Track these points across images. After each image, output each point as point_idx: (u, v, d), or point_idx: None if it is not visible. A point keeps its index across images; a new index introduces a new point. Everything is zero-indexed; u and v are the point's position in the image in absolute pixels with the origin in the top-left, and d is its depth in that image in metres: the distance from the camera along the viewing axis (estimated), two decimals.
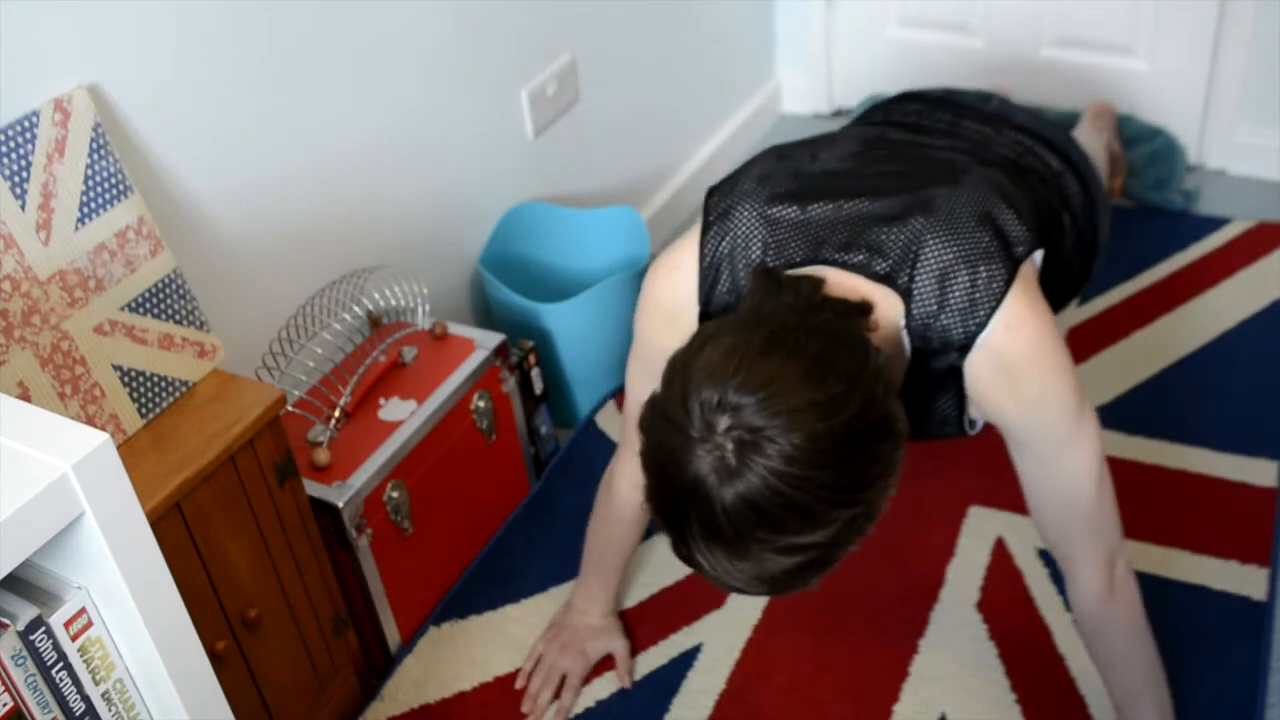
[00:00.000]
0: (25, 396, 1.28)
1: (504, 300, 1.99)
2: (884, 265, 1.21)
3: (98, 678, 0.95)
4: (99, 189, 1.34)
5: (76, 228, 1.32)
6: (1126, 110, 2.58)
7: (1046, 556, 1.77)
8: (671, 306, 1.31)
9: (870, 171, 1.29)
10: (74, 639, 0.92)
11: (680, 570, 1.81)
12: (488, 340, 1.83)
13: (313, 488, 1.57)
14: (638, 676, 1.69)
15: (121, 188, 1.36)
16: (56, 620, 0.91)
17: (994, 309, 1.18)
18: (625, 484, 1.55)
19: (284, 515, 1.46)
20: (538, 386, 1.95)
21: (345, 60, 1.71)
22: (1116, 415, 1.98)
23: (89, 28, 1.35)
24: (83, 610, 0.92)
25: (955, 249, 1.20)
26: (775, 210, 1.26)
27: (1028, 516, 1.83)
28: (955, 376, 1.23)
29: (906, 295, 1.20)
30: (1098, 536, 1.32)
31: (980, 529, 1.82)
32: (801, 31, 2.85)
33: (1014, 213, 1.25)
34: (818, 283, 1.20)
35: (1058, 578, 1.74)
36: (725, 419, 1.02)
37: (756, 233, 1.26)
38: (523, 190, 2.15)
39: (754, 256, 1.25)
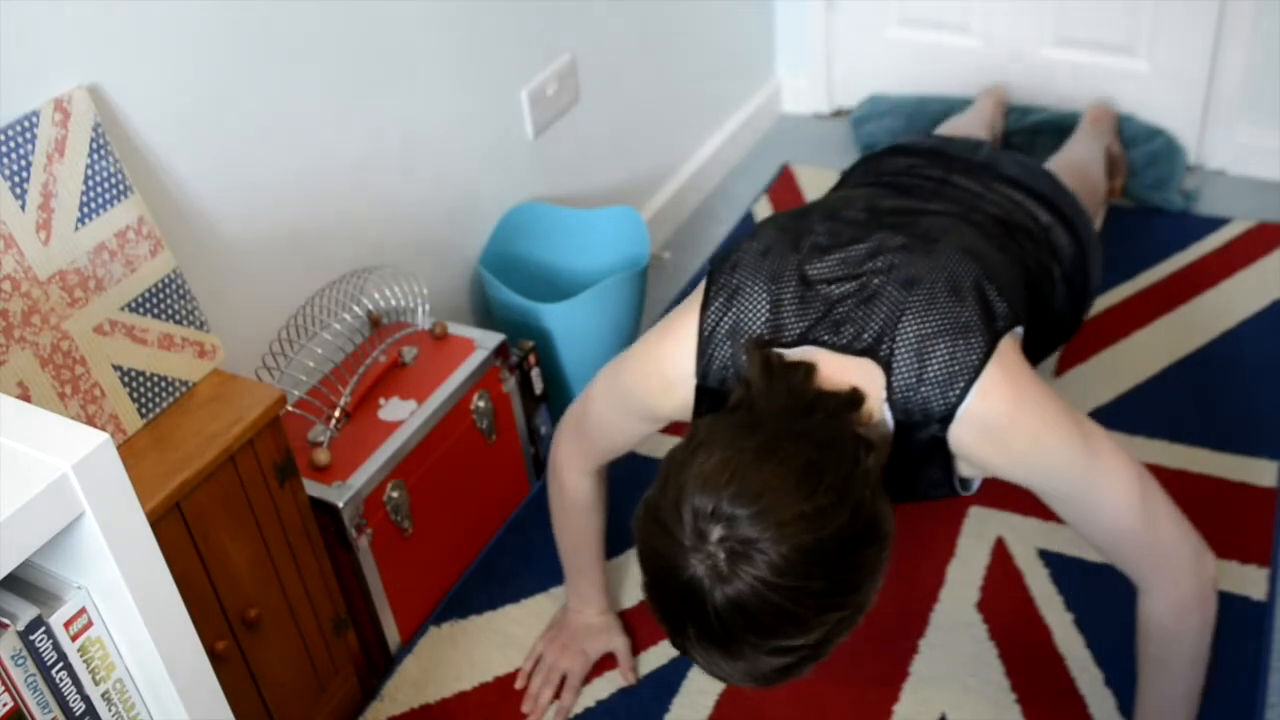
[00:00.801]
0: (25, 396, 1.28)
1: (504, 300, 1.99)
2: (865, 341, 1.24)
3: (98, 678, 0.95)
4: (99, 189, 1.34)
5: (76, 228, 1.32)
6: (1126, 110, 2.58)
7: (1046, 556, 1.77)
8: (672, 375, 1.34)
9: (862, 250, 1.31)
10: (74, 639, 0.92)
11: None
12: (488, 340, 1.83)
13: (313, 488, 1.57)
14: (632, 685, 1.69)
15: (121, 188, 1.36)
16: (56, 620, 0.91)
17: (972, 381, 1.20)
18: (572, 474, 1.57)
19: (284, 515, 1.46)
20: (538, 386, 1.95)
21: (346, 60, 1.71)
22: (1116, 415, 1.98)
23: (89, 28, 1.35)
24: (83, 610, 0.92)
25: (934, 323, 1.22)
26: (777, 288, 1.28)
27: (1028, 516, 1.83)
28: (940, 446, 1.24)
29: (887, 368, 1.22)
30: (1163, 557, 1.28)
31: (980, 529, 1.82)
32: (801, 31, 2.85)
33: (996, 287, 1.27)
34: (810, 370, 1.22)
35: (1058, 578, 1.74)
36: (718, 529, 1.06)
37: (760, 312, 1.28)
38: (523, 190, 2.15)
39: (755, 334, 1.28)
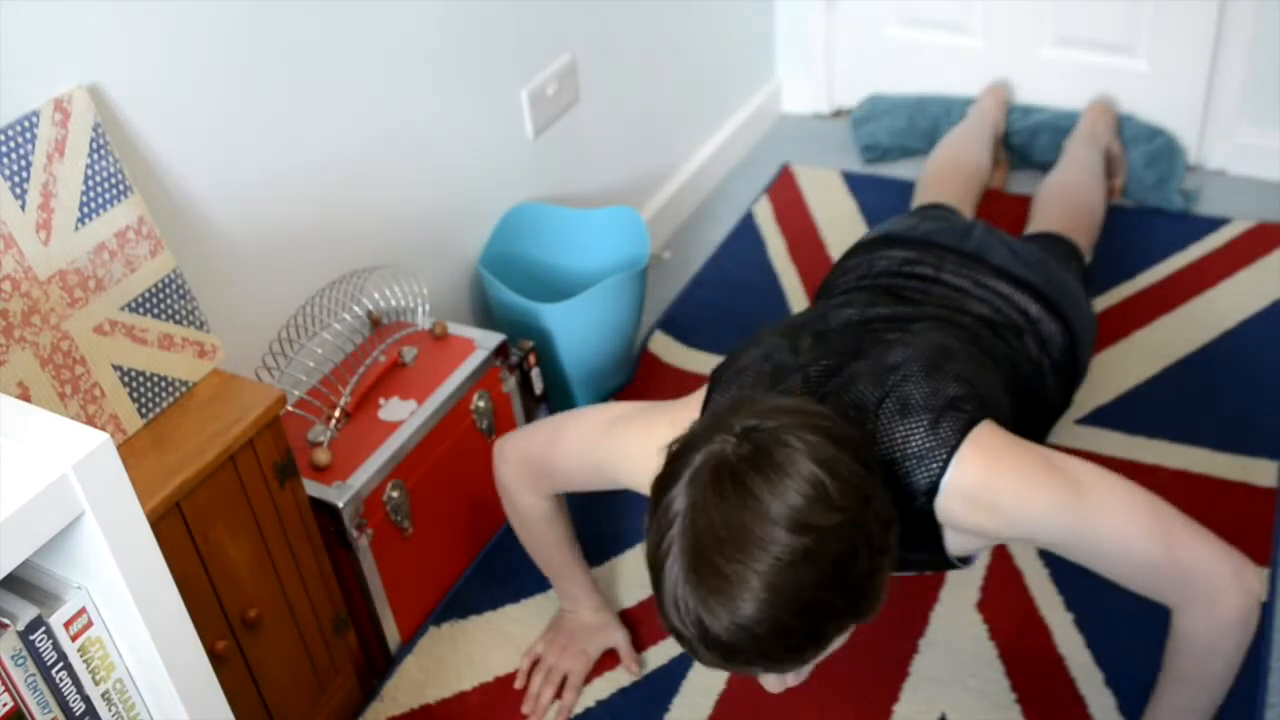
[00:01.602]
0: (25, 396, 1.28)
1: (504, 300, 1.99)
2: (853, 415, 1.28)
3: (98, 678, 0.95)
4: (99, 189, 1.34)
5: (76, 228, 1.32)
6: (1126, 110, 2.58)
7: (1047, 556, 1.77)
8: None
9: (851, 348, 1.37)
10: (74, 639, 0.92)
11: None
12: (488, 340, 1.83)
13: (313, 488, 1.57)
14: (637, 676, 1.69)
15: (121, 188, 1.36)
16: (56, 620, 0.91)
17: (951, 454, 1.24)
18: (526, 495, 1.58)
19: (284, 515, 1.46)
20: (538, 386, 1.95)
21: (345, 60, 1.71)
22: (1117, 415, 1.98)
23: (89, 28, 1.35)
24: (83, 610, 0.93)
25: (916, 400, 1.27)
26: (777, 390, 1.33)
27: None
28: (927, 520, 1.27)
29: (871, 443, 1.27)
30: (1191, 582, 1.25)
31: None
32: (801, 31, 2.85)
33: (971, 382, 1.32)
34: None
35: (1057, 578, 1.74)
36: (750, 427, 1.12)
37: None
38: (523, 190, 2.15)
39: None
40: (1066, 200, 2.19)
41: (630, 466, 1.40)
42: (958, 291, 1.58)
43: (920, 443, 1.25)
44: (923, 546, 1.31)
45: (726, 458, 1.10)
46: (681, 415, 1.37)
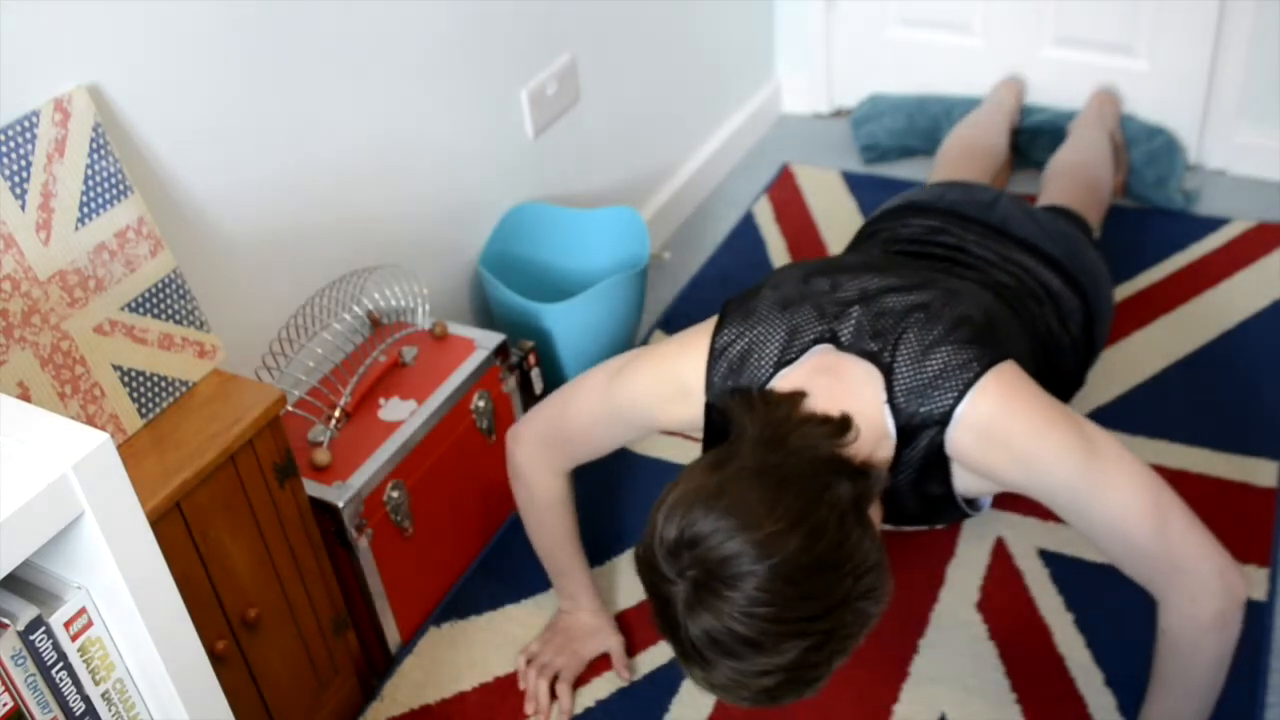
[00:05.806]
0: (25, 396, 1.28)
1: (504, 300, 1.99)
2: (869, 346, 1.28)
3: (98, 678, 0.95)
4: (99, 189, 1.34)
5: (76, 228, 1.32)
6: (1126, 110, 2.58)
7: (1046, 556, 1.77)
8: (688, 384, 1.39)
9: (876, 282, 1.37)
10: (74, 639, 0.93)
11: None
12: (488, 340, 1.83)
13: (313, 488, 1.57)
14: (637, 676, 1.69)
15: (121, 188, 1.36)
16: (56, 620, 0.91)
17: (969, 384, 1.23)
18: (543, 475, 1.58)
19: (284, 515, 1.46)
20: (538, 386, 1.95)
21: (345, 60, 1.71)
22: (1117, 415, 1.98)
23: (89, 28, 1.35)
24: (83, 610, 0.93)
25: (936, 334, 1.27)
26: (791, 314, 1.34)
27: (1028, 516, 1.83)
28: (937, 453, 1.27)
29: (888, 372, 1.27)
30: (1176, 571, 1.24)
31: (980, 529, 1.83)
32: (801, 31, 2.85)
33: (1002, 330, 1.33)
34: (796, 400, 1.26)
35: (1058, 577, 1.74)
36: (684, 559, 1.13)
37: (776, 338, 1.33)
38: (523, 190, 2.15)
39: (768, 357, 1.33)
40: (1076, 176, 2.19)
41: (647, 409, 1.42)
42: (982, 261, 1.59)
43: (941, 366, 1.24)
44: (931, 481, 1.30)
45: (685, 645, 1.14)
46: (689, 347, 1.39)
